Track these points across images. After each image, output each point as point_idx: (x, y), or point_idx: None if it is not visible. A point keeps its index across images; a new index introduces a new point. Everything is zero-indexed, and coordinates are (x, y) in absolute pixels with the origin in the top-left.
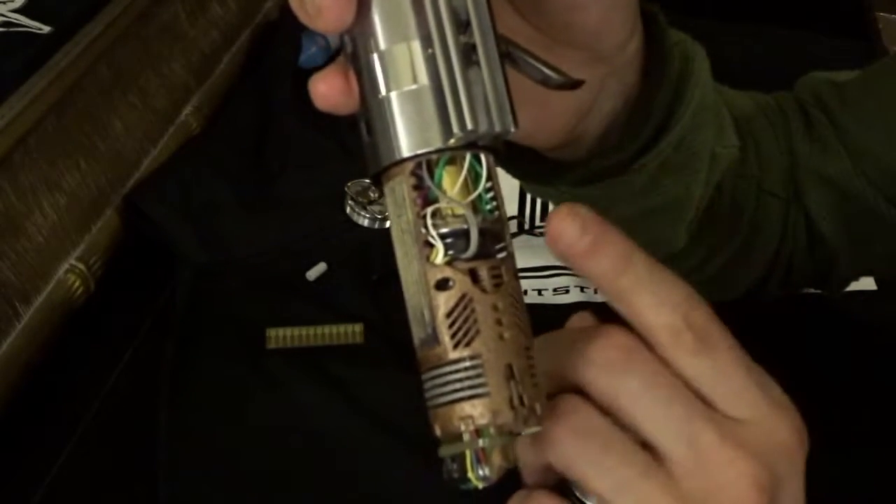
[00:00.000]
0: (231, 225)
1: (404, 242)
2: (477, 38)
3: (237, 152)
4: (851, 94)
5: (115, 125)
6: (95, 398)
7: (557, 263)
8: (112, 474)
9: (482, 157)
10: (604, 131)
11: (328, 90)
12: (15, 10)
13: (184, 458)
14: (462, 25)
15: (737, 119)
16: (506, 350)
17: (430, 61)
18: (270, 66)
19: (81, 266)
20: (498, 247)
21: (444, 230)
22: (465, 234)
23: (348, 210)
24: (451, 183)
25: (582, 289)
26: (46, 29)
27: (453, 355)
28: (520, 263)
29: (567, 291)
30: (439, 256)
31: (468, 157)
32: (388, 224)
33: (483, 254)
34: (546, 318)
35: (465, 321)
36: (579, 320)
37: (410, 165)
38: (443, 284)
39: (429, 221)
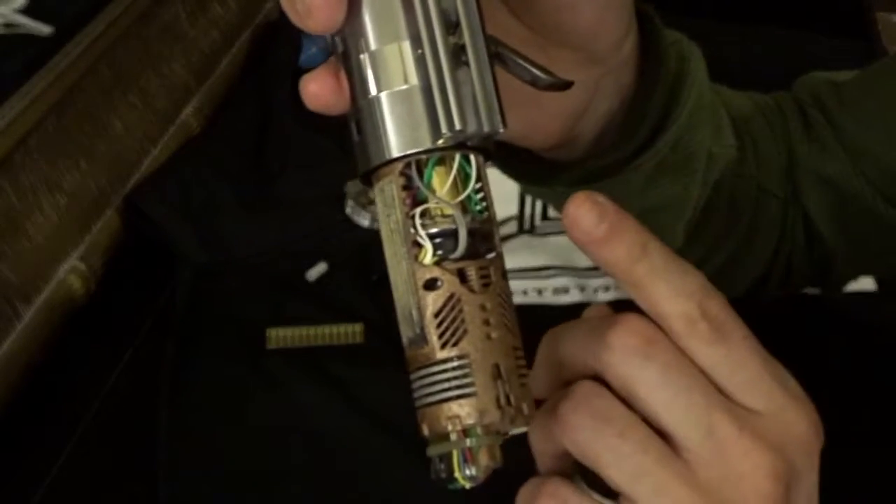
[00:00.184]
0: (231, 225)
1: (393, 242)
2: (466, 39)
3: (237, 152)
4: (850, 94)
5: (115, 125)
6: (95, 398)
7: (557, 263)
8: (112, 474)
9: (472, 157)
10: (600, 132)
11: (319, 90)
12: (16, 10)
13: (184, 458)
14: (452, 26)
15: (735, 119)
16: (493, 350)
17: (420, 62)
18: (271, 66)
19: (82, 266)
20: (487, 247)
21: (433, 230)
22: (453, 234)
23: (348, 210)
24: (440, 183)
25: (582, 289)
26: (47, 29)
27: (441, 355)
28: (520, 263)
29: (567, 291)
30: (428, 256)
31: (457, 157)
32: None
33: (472, 254)
34: (546, 318)
35: (453, 321)
36: (596, 311)
37: (400, 165)
38: (431, 284)
39: (418, 221)
